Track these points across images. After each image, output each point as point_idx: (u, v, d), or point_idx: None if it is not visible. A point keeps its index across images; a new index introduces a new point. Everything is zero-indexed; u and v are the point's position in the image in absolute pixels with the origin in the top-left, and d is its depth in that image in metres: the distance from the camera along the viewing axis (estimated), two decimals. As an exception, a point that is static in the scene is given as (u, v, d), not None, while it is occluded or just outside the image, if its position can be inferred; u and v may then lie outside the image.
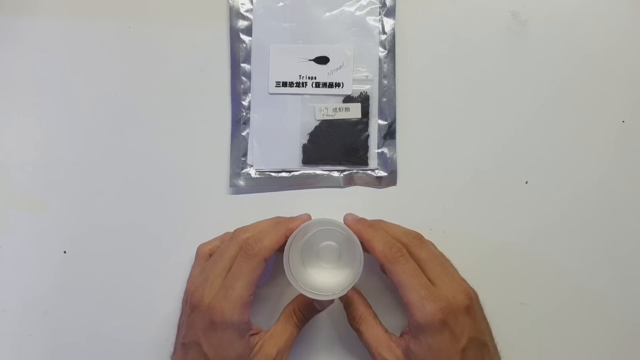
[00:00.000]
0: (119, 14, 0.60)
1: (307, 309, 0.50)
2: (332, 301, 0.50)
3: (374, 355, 0.47)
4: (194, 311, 0.46)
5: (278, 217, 0.52)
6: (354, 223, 0.49)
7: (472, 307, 0.46)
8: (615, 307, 0.55)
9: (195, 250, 0.53)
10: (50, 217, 0.57)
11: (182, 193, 0.57)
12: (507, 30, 0.59)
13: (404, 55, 0.57)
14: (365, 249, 0.48)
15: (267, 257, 0.47)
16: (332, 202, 0.57)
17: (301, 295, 0.48)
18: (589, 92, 0.58)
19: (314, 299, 0.48)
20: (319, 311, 0.51)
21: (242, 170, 0.56)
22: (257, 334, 0.48)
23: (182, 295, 0.52)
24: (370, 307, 0.50)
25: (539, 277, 0.50)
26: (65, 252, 0.57)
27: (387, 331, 0.48)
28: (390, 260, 0.46)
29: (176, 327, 0.51)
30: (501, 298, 0.55)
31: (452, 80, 0.57)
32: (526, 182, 0.56)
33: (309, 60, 0.55)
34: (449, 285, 0.45)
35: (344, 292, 0.47)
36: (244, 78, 0.56)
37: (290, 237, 0.48)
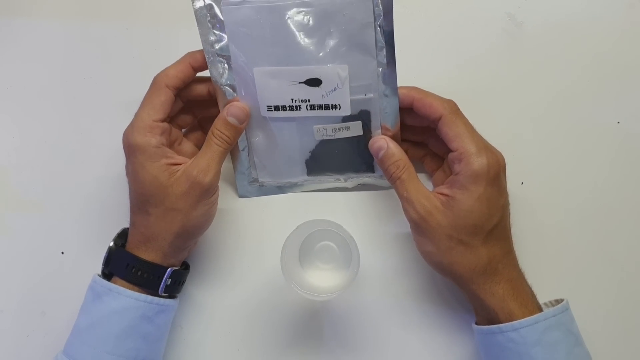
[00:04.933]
0: (116, 16, 0.60)
1: (224, 127, 0.49)
2: (246, 110, 0.50)
3: (413, 203, 0.47)
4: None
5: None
6: (406, 90, 0.50)
7: (505, 168, 0.48)
8: (615, 307, 0.55)
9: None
10: (48, 218, 0.58)
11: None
12: (503, 32, 0.59)
13: (404, 63, 0.54)
14: (415, 109, 0.49)
15: (170, 84, 0.48)
16: (339, 203, 0.57)
17: (219, 117, 0.50)
18: (584, 93, 0.58)
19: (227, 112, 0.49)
20: (241, 129, 0.51)
21: (247, 181, 0.56)
22: (181, 164, 0.48)
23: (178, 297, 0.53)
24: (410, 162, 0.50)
25: (535, 278, 0.50)
26: (62, 252, 0.57)
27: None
28: (452, 111, 0.47)
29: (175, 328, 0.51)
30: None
31: (449, 83, 0.57)
32: (522, 183, 0.56)
33: (300, 82, 0.50)
34: (489, 145, 0.48)
35: (341, 293, 0.47)
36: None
37: (287, 238, 0.48)
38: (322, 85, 0.49)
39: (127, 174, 0.49)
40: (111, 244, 0.49)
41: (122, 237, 0.50)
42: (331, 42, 0.48)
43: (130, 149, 0.47)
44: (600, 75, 0.58)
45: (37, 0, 0.62)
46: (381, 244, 0.56)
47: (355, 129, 0.52)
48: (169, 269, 0.48)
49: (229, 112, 0.49)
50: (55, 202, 0.58)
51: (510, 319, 0.45)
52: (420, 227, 0.47)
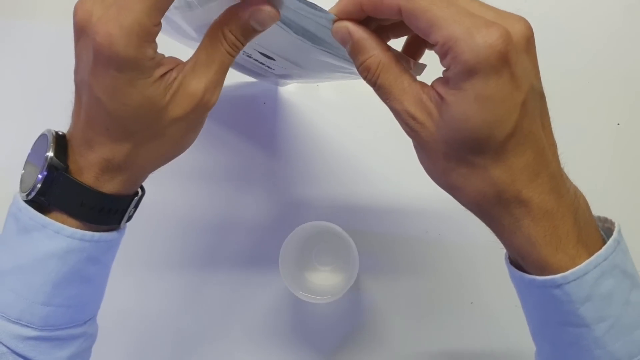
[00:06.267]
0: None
1: (242, 29, 0.35)
2: (275, 16, 0.34)
3: (400, 115, 0.33)
4: (81, 37, 0.34)
5: None
6: None
7: (532, 43, 0.32)
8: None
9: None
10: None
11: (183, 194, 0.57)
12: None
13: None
14: (368, 13, 0.33)
15: None
16: (338, 205, 0.57)
17: (231, 11, 0.35)
18: (583, 94, 0.58)
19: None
20: (257, 32, 0.35)
21: None
22: (173, 69, 0.34)
23: (177, 296, 0.52)
24: (391, 50, 0.34)
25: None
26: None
27: (415, 79, 0.34)
28: None
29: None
30: (498, 301, 0.55)
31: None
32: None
33: None
34: (497, 15, 0.31)
35: (340, 295, 0.47)
36: None
37: (286, 240, 0.48)
38: None
39: (96, 85, 0.33)
40: (48, 154, 0.35)
41: (61, 150, 0.36)
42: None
43: (115, 60, 0.32)
44: (600, 77, 0.58)
45: (38, 3, 0.62)
46: (380, 246, 0.55)
47: None
48: (134, 199, 0.39)
49: (255, 17, 0.34)
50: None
51: (543, 271, 0.32)
52: (414, 141, 0.34)
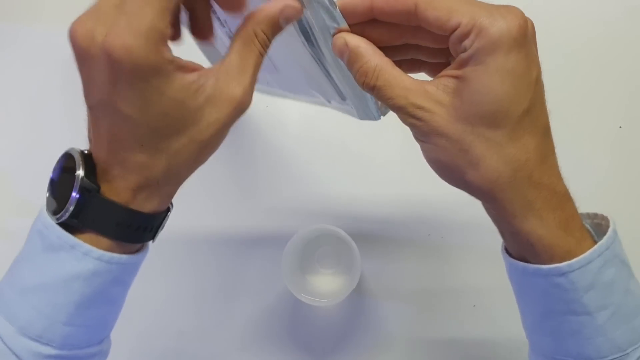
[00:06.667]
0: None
1: (272, 27, 0.34)
2: (300, 10, 0.35)
3: (405, 108, 0.33)
4: (86, 59, 0.32)
5: None
6: None
7: (535, 33, 0.34)
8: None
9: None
10: (50, 224, 0.57)
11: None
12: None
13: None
14: (378, 14, 0.34)
15: None
16: (340, 208, 0.57)
17: (262, 11, 0.34)
18: (585, 97, 0.58)
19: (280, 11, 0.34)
20: (281, 30, 0.35)
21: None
22: (198, 71, 0.33)
23: (178, 298, 0.52)
24: (385, 57, 0.35)
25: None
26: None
27: (414, 79, 0.35)
28: None
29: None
30: (500, 303, 0.55)
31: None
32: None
33: None
34: (505, 8, 0.32)
35: (342, 298, 0.47)
36: None
37: (288, 243, 0.48)
38: None
39: (122, 103, 0.32)
40: (79, 173, 0.34)
41: (90, 170, 0.35)
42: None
43: (139, 70, 0.30)
44: (602, 80, 0.58)
45: (39, 5, 0.62)
46: (382, 249, 0.55)
47: None
48: (167, 214, 0.38)
49: (285, 14, 0.34)
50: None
51: (552, 255, 0.33)
52: (421, 130, 0.34)
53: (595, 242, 0.33)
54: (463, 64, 0.32)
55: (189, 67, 0.33)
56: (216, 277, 0.56)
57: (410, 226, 0.55)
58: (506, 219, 0.33)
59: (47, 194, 0.36)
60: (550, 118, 0.58)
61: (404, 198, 0.57)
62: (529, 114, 0.32)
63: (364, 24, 0.35)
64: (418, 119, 0.33)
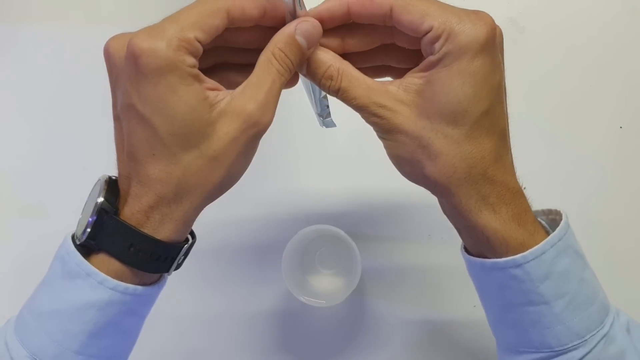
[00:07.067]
0: (118, 19, 0.60)
1: (292, 49, 0.35)
2: (319, 27, 0.36)
3: (368, 108, 0.35)
4: (115, 66, 0.34)
5: None
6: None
7: (502, 41, 0.36)
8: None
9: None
10: (50, 224, 0.57)
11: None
12: (505, 37, 0.59)
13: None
14: (355, 16, 0.36)
15: (233, 12, 0.34)
16: (340, 209, 0.57)
17: (279, 32, 0.35)
18: (586, 97, 0.58)
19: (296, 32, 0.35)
20: (306, 56, 0.36)
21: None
22: (217, 89, 0.34)
23: (177, 298, 0.52)
24: (345, 60, 0.37)
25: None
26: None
27: (376, 80, 0.37)
28: None
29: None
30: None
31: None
32: (524, 189, 0.56)
33: None
34: (476, 15, 0.34)
35: (343, 298, 0.47)
36: None
37: (288, 243, 0.48)
38: None
39: (138, 101, 0.33)
40: (99, 200, 0.35)
41: (113, 193, 0.36)
42: None
43: (155, 66, 0.32)
44: (602, 80, 0.58)
45: (39, 5, 0.62)
46: (382, 250, 0.55)
47: None
48: (185, 245, 0.37)
49: (300, 29, 0.35)
50: (57, 207, 0.58)
51: (507, 248, 0.35)
52: (382, 128, 0.36)
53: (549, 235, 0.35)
54: (430, 67, 0.34)
55: (211, 85, 0.34)
56: (216, 277, 0.56)
57: (410, 226, 0.55)
58: (462, 213, 0.35)
59: (79, 218, 0.37)
60: (549, 118, 0.59)
61: (405, 198, 0.57)
62: (487, 116, 0.34)
63: (343, 30, 0.36)
64: (380, 117, 0.35)
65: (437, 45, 0.33)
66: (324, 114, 0.41)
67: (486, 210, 0.35)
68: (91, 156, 0.58)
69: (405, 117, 0.35)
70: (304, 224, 0.50)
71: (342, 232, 0.49)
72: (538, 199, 0.56)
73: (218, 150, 0.34)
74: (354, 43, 0.37)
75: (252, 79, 0.35)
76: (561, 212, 0.37)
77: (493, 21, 0.34)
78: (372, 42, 0.37)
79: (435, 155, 0.34)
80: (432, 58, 0.34)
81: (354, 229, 0.52)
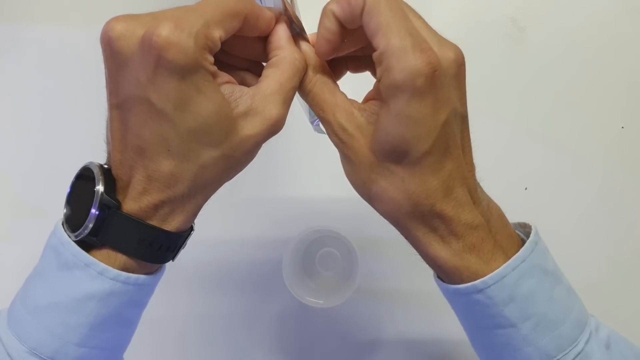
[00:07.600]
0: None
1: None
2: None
3: (331, 125, 0.35)
4: (119, 54, 0.31)
5: None
6: None
7: (462, 70, 0.35)
8: (615, 310, 0.55)
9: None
10: (50, 224, 0.57)
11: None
12: (506, 37, 0.59)
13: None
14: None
15: (250, 17, 0.33)
16: (341, 210, 0.57)
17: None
18: (587, 97, 0.58)
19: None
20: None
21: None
22: (233, 83, 0.34)
23: (179, 300, 0.52)
24: (325, 68, 0.37)
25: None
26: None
27: (346, 96, 0.36)
28: None
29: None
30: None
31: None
32: (525, 189, 0.56)
33: None
34: (435, 40, 0.33)
35: (343, 299, 0.47)
36: None
37: (289, 245, 0.48)
38: None
39: (157, 96, 0.31)
40: (99, 188, 0.32)
41: (110, 185, 0.33)
42: None
43: (182, 62, 0.30)
44: (604, 80, 0.58)
45: (39, 6, 0.62)
46: (382, 251, 0.55)
47: None
48: (191, 232, 0.37)
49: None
50: (58, 208, 0.58)
51: (460, 276, 0.34)
52: (340, 151, 0.36)
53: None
54: (376, 94, 0.34)
55: (225, 78, 0.33)
56: (217, 279, 0.56)
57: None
58: (414, 243, 0.35)
59: (65, 210, 0.35)
60: (550, 118, 0.58)
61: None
62: (430, 155, 0.33)
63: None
64: (340, 139, 0.35)
65: (378, 71, 0.32)
66: (312, 121, 0.41)
67: (435, 242, 0.34)
68: (91, 156, 0.58)
69: (360, 147, 0.34)
70: (305, 225, 0.50)
71: (342, 234, 0.49)
72: (538, 199, 0.56)
73: (238, 149, 0.33)
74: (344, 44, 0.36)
75: (270, 81, 0.34)
76: (531, 226, 0.36)
77: (435, 55, 0.32)
78: (357, 41, 0.36)
79: (381, 191, 0.34)
80: (376, 84, 0.34)
81: (354, 231, 0.52)
